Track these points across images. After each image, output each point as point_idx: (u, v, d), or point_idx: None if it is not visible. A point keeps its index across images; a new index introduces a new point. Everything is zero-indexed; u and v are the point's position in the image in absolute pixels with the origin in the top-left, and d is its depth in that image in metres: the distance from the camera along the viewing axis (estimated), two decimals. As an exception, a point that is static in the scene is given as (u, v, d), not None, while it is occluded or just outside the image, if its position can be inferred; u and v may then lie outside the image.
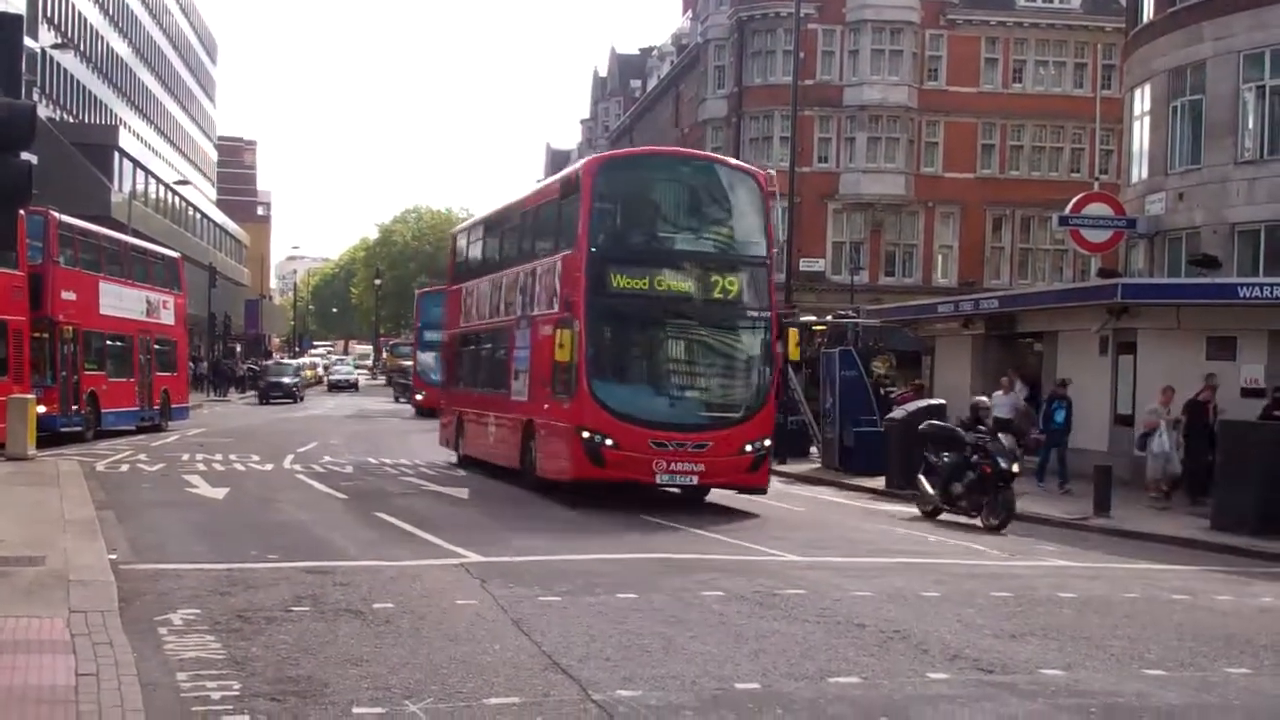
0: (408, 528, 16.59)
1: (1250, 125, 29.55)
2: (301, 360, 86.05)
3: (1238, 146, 29.62)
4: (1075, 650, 10.35)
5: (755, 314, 20.51)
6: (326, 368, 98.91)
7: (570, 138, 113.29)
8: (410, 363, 62.47)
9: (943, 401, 26.53)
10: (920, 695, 8.68)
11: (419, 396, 50.51)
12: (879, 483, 25.23)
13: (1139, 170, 33.81)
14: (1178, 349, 25.78)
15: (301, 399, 66.52)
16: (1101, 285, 29.00)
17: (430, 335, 46.79)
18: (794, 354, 22.27)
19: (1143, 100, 33.29)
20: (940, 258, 54.71)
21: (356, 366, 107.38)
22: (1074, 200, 34.12)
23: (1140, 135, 33.66)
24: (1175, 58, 31.33)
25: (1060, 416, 25.01)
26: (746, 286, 20.56)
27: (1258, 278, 27.24)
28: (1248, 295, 24.60)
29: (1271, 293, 24.43)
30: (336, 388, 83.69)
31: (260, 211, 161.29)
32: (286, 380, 65.95)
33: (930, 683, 9.06)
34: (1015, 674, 9.41)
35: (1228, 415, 22.45)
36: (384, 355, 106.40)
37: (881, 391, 29.43)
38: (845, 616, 11.32)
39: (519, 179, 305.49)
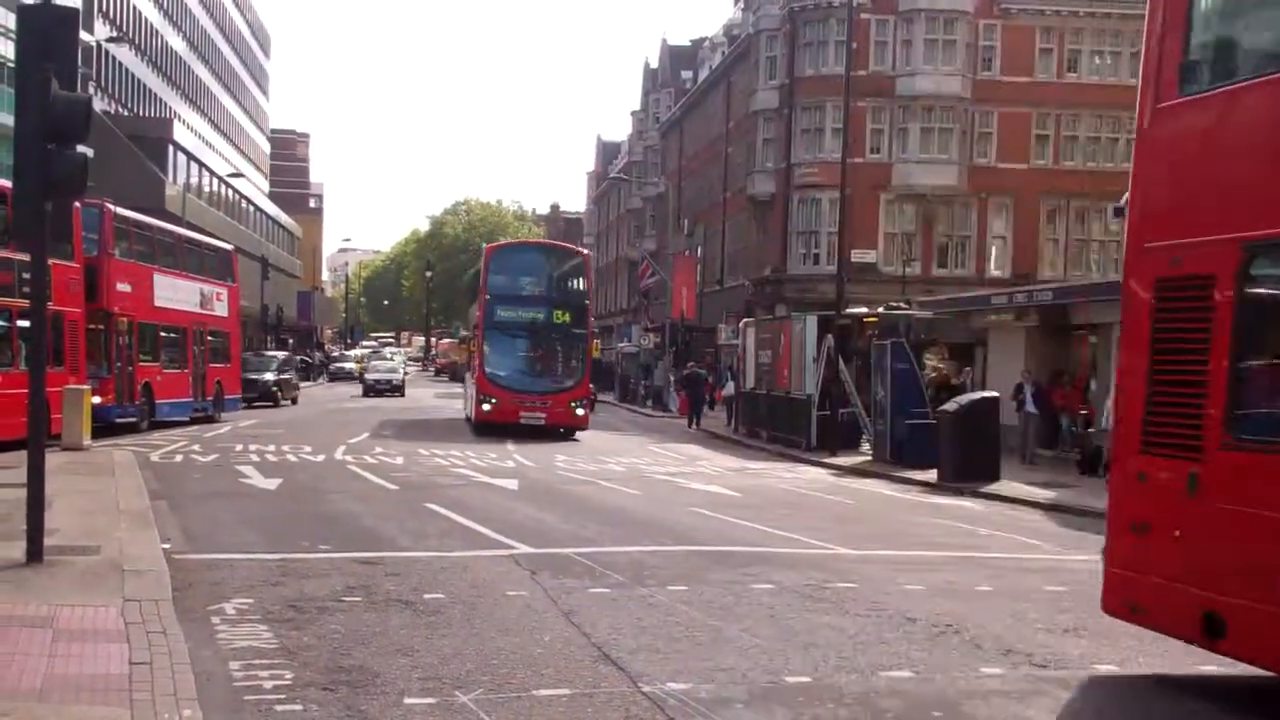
0: (458, 518, 16.64)
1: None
2: (280, 354, 58.47)
3: (1297, 134, 29.13)
4: (1128, 646, 10.22)
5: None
6: (360, 363, 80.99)
7: (621, 129, 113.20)
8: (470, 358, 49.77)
9: (996, 394, 26.34)
10: (973, 690, 8.60)
11: (485, 406, 35.00)
12: (930, 476, 25.07)
13: (1196, 160, 33.31)
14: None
15: (290, 401, 50.96)
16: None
17: (505, 313, 35.94)
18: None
19: (1199, 89, 32.79)
20: (993, 249, 54.23)
21: (409, 361, 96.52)
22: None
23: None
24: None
25: None
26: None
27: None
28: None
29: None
30: (375, 391, 61.06)
31: (312, 204, 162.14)
32: (265, 378, 48.68)
33: (984, 678, 8.98)
34: (1069, 669, 9.31)
35: None
36: (437, 346, 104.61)
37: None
38: (896, 610, 11.25)
39: (570, 171, 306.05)
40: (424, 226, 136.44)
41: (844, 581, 12.62)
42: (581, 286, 37.62)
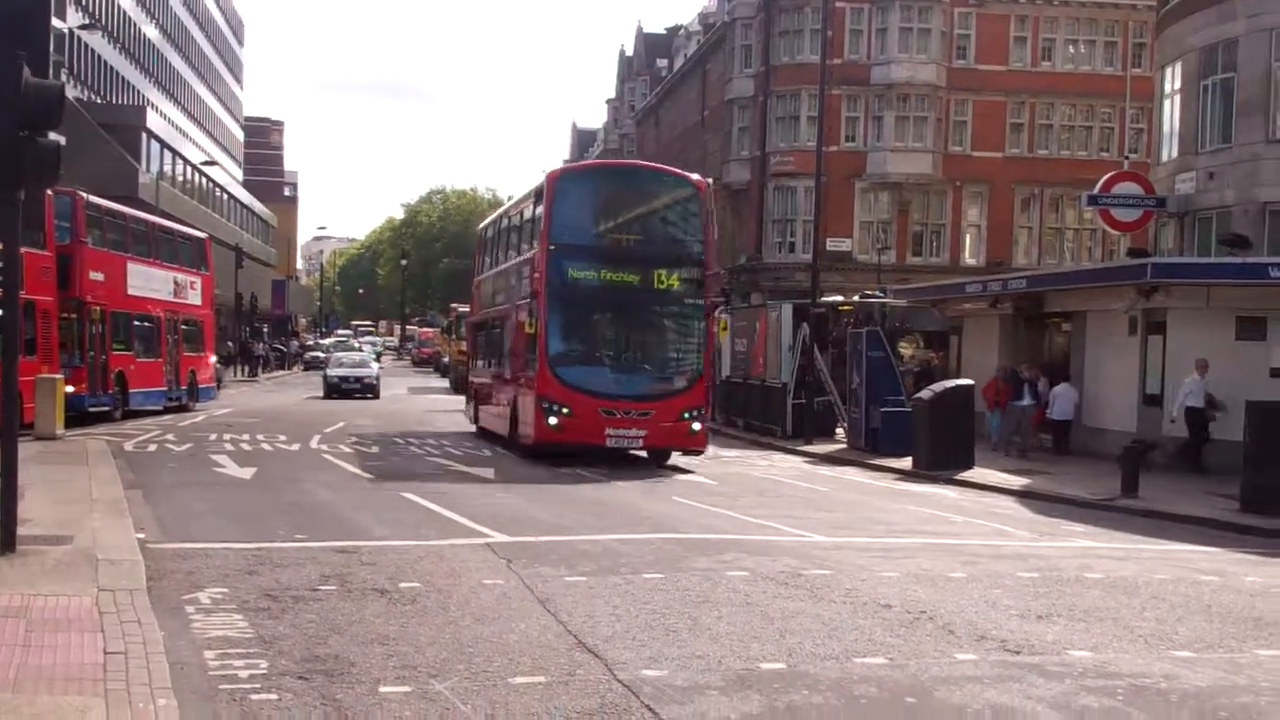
0: (433, 507, 16.62)
1: (1283, 104, 29.21)
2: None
3: (1269, 125, 29.30)
4: (1102, 631, 10.30)
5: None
6: (323, 356, 70.86)
7: (596, 117, 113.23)
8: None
9: (971, 382, 26.46)
10: (947, 676, 8.64)
11: (552, 420, 23.22)
12: (906, 463, 25.16)
13: (1169, 149, 33.53)
14: (1207, 329, 25.61)
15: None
16: (1131, 265, 28.76)
17: (580, 273, 23.99)
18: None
19: (1173, 78, 32.98)
20: (968, 237, 54.43)
21: (384, 352, 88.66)
22: (1103, 179, 33.89)
23: (1171, 114, 33.36)
24: (1207, 35, 31.01)
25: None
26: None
27: (1289, 257, 26.99)
28: (1278, 275, 24.42)
29: (1303, 273, 24.26)
30: (340, 391, 48.00)
31: (287, 192, 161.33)
32: None
33: (957, 663, 9.03)
34: (1042, 655, 9.36)
35: (1253, 396, 22.31)
36: (419, 335, 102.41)
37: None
38: (871, 597, 11.29)
39: (545, 159, 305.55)
40: (399, 214, 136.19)
41: (819, 569, 12.67)
42: (697, 235, 24.52)
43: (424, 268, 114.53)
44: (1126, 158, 42.06)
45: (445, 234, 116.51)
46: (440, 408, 43.09)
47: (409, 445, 26.96)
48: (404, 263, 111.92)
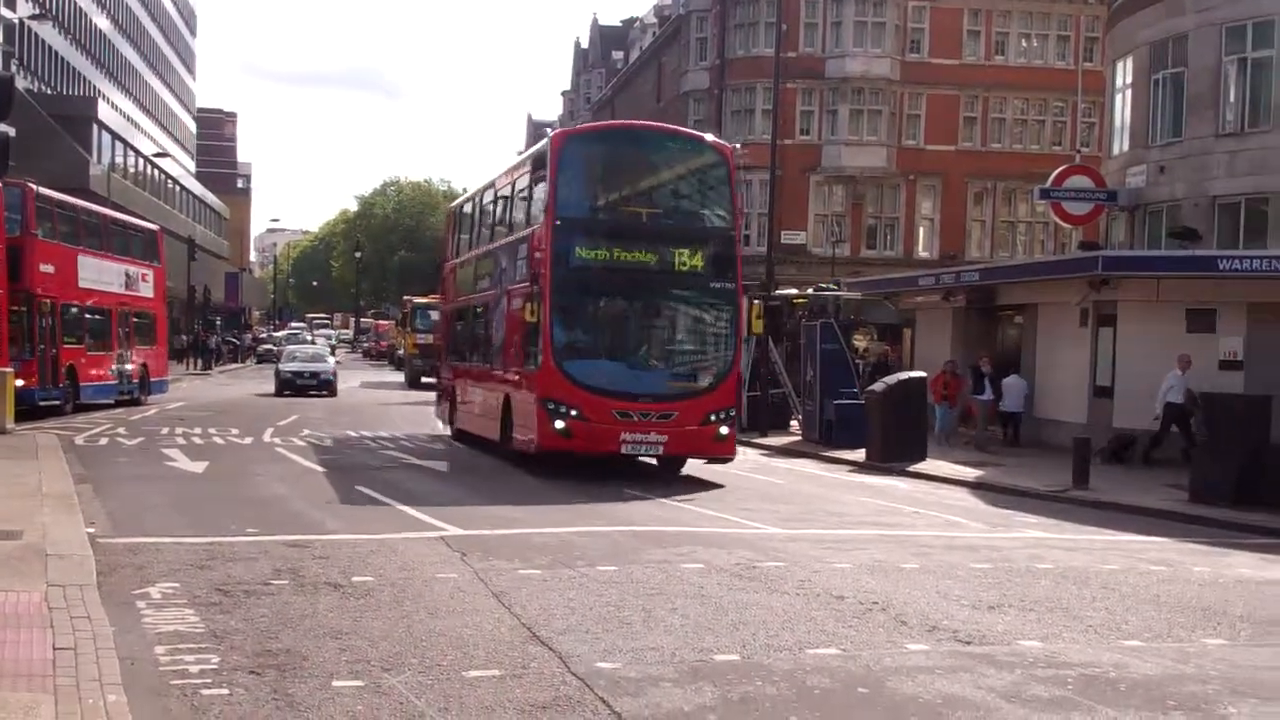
0: (388, 501, 16.58)
1: (1232, 98, 29.51)
2: None
3: (1219, 119, 29.61)
4: (1053, 621, 10.40)
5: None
6: (276, 349, 67.38)
7: (552, 109, 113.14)
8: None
9: (924, 375, 26.61)
10: (898, 666, 8.70)
11: (559, 424, 20.05)
12: (859, 455, 25.28)
13: (1120, 143, 33.81)
14: (1157, 321, 25.88)
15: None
16: (1082, 258, 29.03)
17: (590, 252, 20.94)
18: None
19: (1125, 73, 33.26)
20: (921, 230, 54.66)
21: (338, 344, 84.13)
22: (1055, 173, 34.12)
23: (1122, 108, 33.64)
24: (1157, 30, 31.28)
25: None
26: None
27: (1237, 250, 27.32)
28: (1227, 267, 24.70)
29: (1250, 265, 24.53)
30: (295, 387, 44.65)
31: (240, 184, 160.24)
32: None
33: (908, 654, 9.09)
34: (993, 645, 9.44)
35: (1202, 388, 22.56)
36: (376, 327, 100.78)
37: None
38: (824, 588, 11.35)
39: (500, 151, 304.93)
40: (353, 206, 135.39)
41: (773, 560, 12.72)
42: (725, 208, 21.42)
43: (379, 260, 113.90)
44: (1078, 151, 42.34)
45: (400, 226, 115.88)
46: (395, 400, 42.93)
47: (363, 440, 26.83)
48: (358, 255, 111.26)
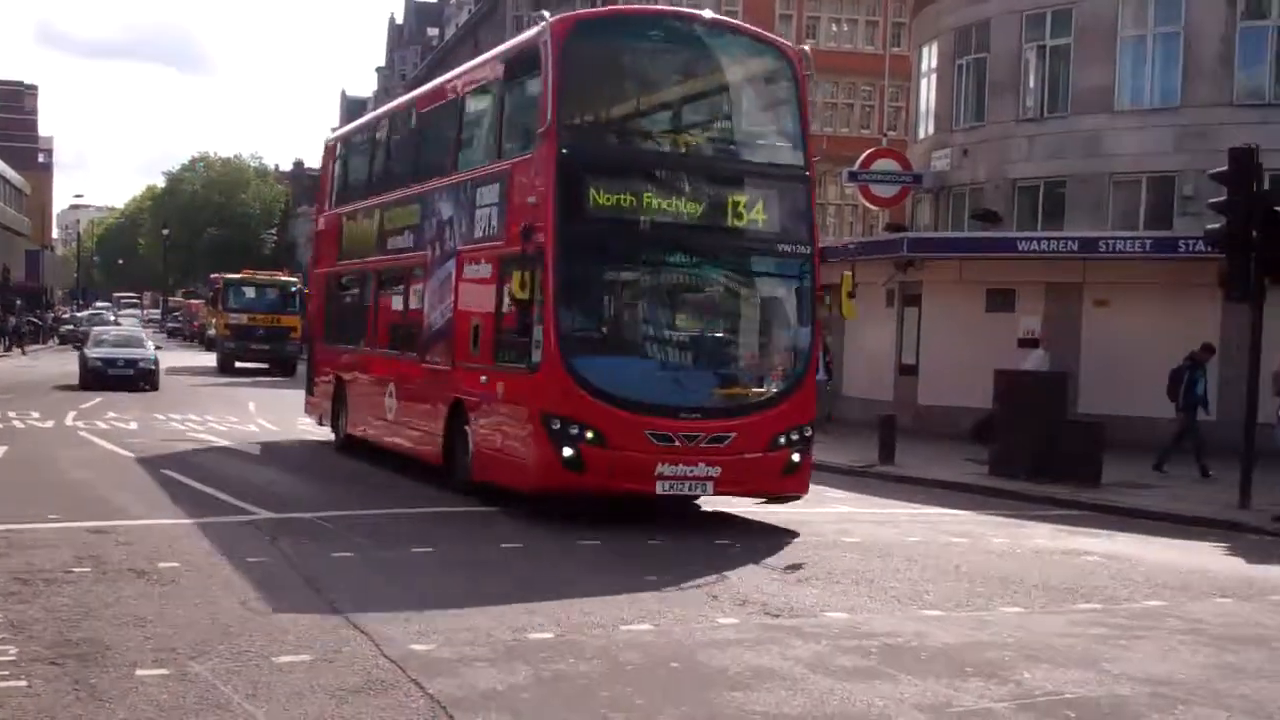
0: (195, 485, 16.21)
1: (1031, 84, 30.52)
2: None
3: (1019, 104, 30.59)
4: (858, 593, 10.70)
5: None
6: (75, 329, 62.88)
7: (367, 85, 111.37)
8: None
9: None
10: (710, 640, 8.86)
11: (567, 451, 13.49)
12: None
13: (926, 127, 34.72)
14: (960, 301, 26.71)
15: None
16: (888, 239, 29.79)
17: (614, 193, 14.14)
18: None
19: (930, 58, 34.14)
20: (736, 211, 55.25)
21: (144, 324, 76.10)
22: (863, 156, 34.84)
23: (927, 92, 34.53)
24: (962, 16, 32.16)
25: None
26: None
27: (1036, 231, 28.29)
28: (1026, 248, 25.62)
29: (1048, 245, 25.47)
30: (105, 380, 35.58)
31: (41, 159, 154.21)
32: None
33: (719, 628, 9.26)
34: (800, 618, 9.68)
35: (1000, 365, 23.29)
36: (189, 307, 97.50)
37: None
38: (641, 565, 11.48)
39: (314, 127, 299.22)
40: (160, 183, 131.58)
41: (593, 539, 12.81)
42: (796, 137, 15.31)
43: (189, 237, 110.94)
44: (886, 135, 43.33)
45: (210, 203, 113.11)
46: (207, 383, 41.82)
47: (169, 422, 26.14)
48: (165, 232, 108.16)
